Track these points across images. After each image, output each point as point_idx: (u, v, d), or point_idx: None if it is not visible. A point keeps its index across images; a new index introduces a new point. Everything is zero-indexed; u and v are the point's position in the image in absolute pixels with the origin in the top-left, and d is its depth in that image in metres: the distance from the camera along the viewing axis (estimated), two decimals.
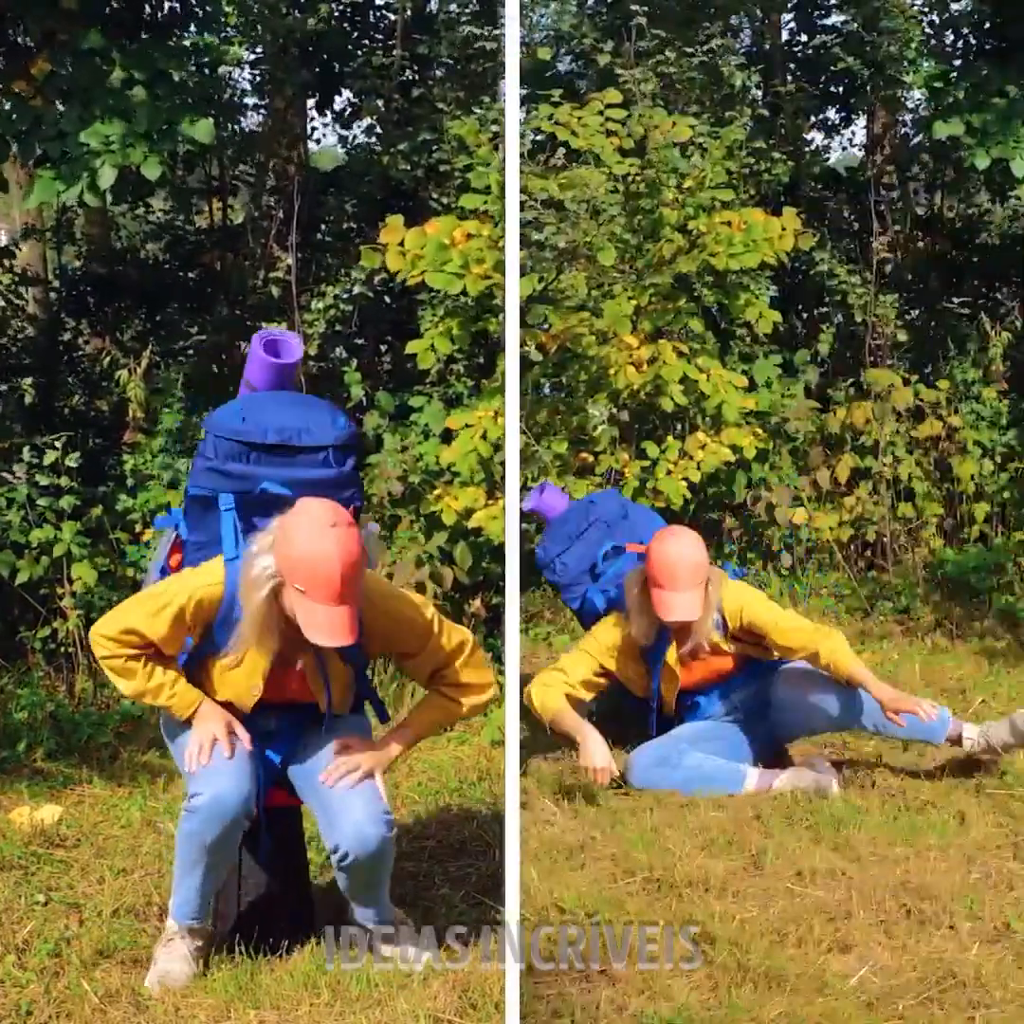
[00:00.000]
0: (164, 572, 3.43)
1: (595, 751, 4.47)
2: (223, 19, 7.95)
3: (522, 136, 6.89)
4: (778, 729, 4.78)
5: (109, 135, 5.85)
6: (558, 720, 4.63)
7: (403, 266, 6.31)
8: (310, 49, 9.10)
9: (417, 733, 3.47)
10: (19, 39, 6.63)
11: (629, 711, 4.89)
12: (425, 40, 9.02)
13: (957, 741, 4.55)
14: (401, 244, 6.31)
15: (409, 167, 8.69)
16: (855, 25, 9.11)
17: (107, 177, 5.85)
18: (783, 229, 6.86)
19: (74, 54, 6.06)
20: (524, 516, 6.47)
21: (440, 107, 8.06)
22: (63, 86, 6.04)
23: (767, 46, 10.37)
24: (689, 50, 8.01)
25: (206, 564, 3.24)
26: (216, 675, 3.28)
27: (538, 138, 7.11)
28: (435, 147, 8.31)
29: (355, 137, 10.09)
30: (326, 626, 3.02)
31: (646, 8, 7.60)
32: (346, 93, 9.94)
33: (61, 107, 6.01)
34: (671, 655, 4.62)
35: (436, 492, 6.18)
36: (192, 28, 7.07)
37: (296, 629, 3.08)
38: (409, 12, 9.21)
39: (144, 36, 6.65)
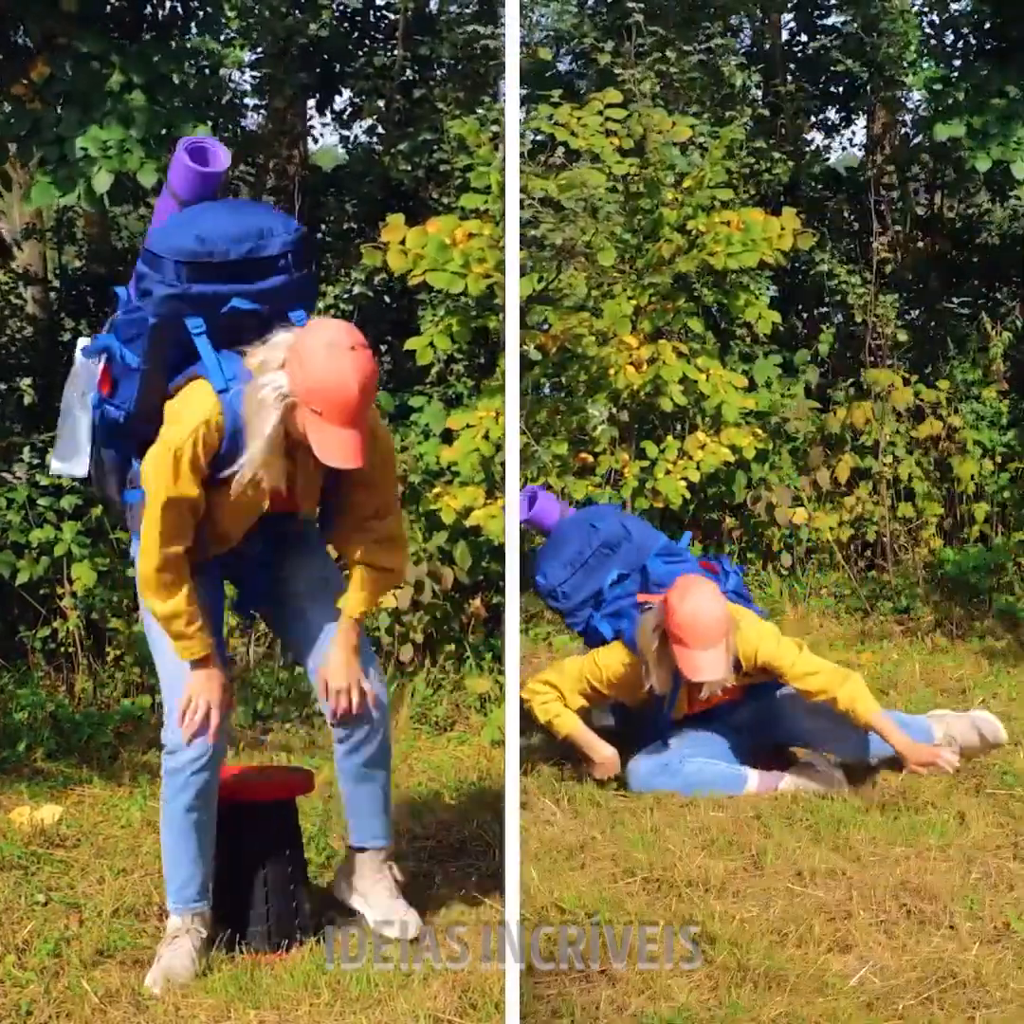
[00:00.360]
0: (98, 403, 3.29)
1: (604, 755, 4.62)
2: (224, 22, 7.95)
3: (522, 136, 6.90)
4: (782, 742, 4.78)
5: (106, 140, 5.84)
6: (571, 738, 4.68)
7: (405, 265, 6.31)
8: (310, 50, 9.11)
9: (364, 617, 3.44)
10: (18, 41, 6.63)
11: (626, 714, 4.91)
12: (426, 41, 9.02)
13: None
14: (402, 243, 6.32)
15: (410, 167, 8.70)
16: (854, 26, 9.12)
17: (103, 183, 5.85)
18: (782, 229, 6.86)
19: (73, 58, 6.05)
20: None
21: (440, 107, 8.07)
22: (62, 90, 6.03)
23: (767, 46, 10.38)
24: (688, 49, 8.02)
25: (187, 398, 3.13)
26: (219, 505, 3.20)
27: (538, 138, 7.12)
28: (435, 147, 8.32)
29: (356, 137, 10.11)
30: (339, 448, 3.02)
31: (645, 6, 7.61)
32: (346, 93, 9.95)
33: (60, 111, 6.00)
34: (681, 700, 4.61)
35: (435, 491, 6.18)
36: (193, 30, 7.07)
37: (295, 446, 3.10)
38: (410, 12, 9.21)
39: (145, 37, 6.64)
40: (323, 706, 3.38)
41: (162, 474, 3.09)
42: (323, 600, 3.40)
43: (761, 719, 4.69)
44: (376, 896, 3.45)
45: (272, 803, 3.43)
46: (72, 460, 3.35)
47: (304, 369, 2.99)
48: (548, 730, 4.75)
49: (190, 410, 3.11)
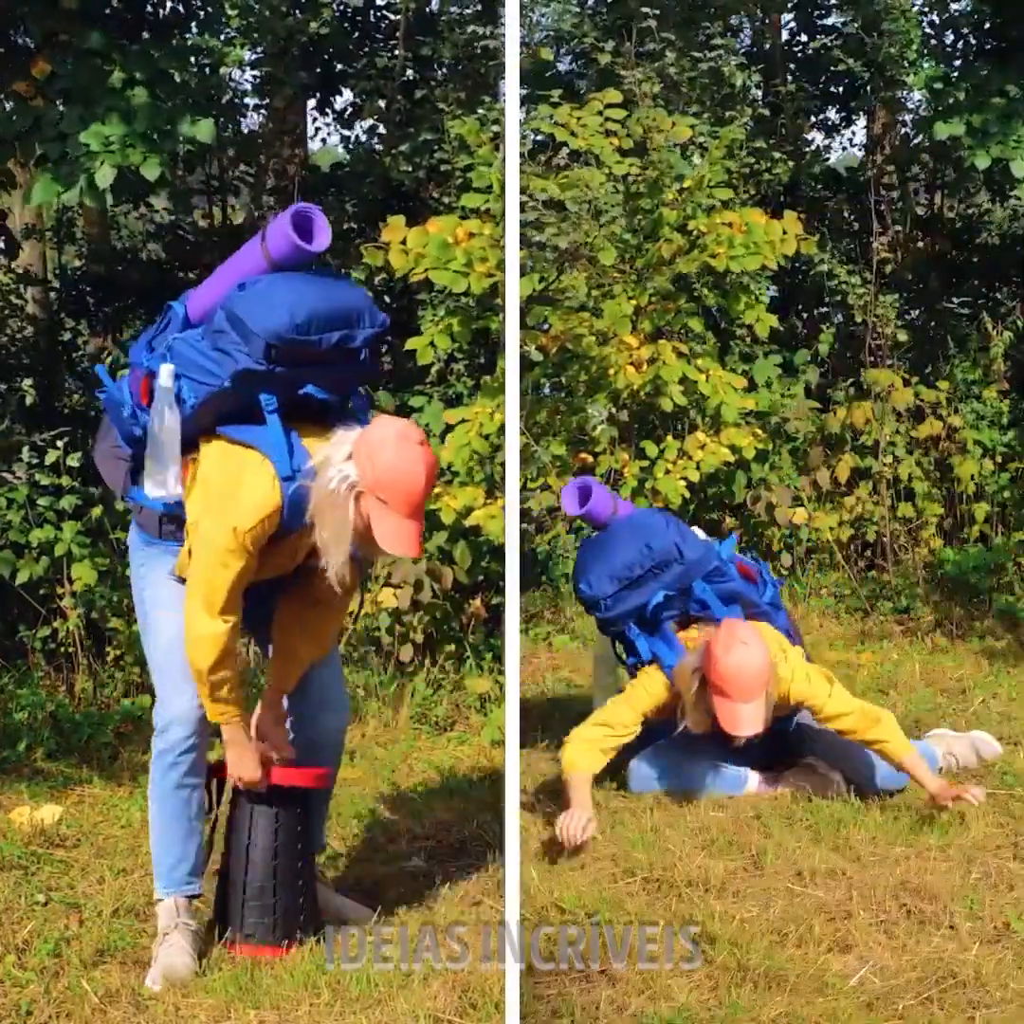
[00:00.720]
0: (133, 411, 3.30)
1: (578, 818, 4.08)
2: (224, 20, 7.95)
3: (523, 136, 6.90)
4: (791, 756, 4.75)
5: (109, 136, 5.85)
6: (572, 780, 4.29)
7: (406, 264, 6.31)
8: (310, 50, 9.11)
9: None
10: (20, 40, 6.64)
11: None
12: (428, 41, 9.02)
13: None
14: (403, 242, 6.32)
15: (411, 168, 8.69)
16: (855, 26, 9.11)
17: (106, 177, 5.85)
18: (784, 233, 6.85)
19: (75, 55, 6.06)
20: (524, 515, 6.46)
21: (442, 107, 8.06)
22: (64, 87, 6.04)
23: (767, 46, 10.38)
24: (697, 55, 8.01)
25: (247, 474, 3.16)
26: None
27: (538, 138, 7.12)
28: (436, 147, 8.32)
29: (357, 137, 10.12)
30: (400, 537, 3.12)
31: (649, 8, 7.61)
32: (347, 93, 9.95)
33: (62, 108, 6.01)
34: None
35: (435, 491, 6.17)
36: (193, 29, 7.07)
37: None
38: (411, 12, 9.21)
39: (146, 36, 6.65)
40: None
41: (231, 550, 3.14)
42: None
43: (776, 738, 4.64)
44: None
45: (286, 790, 3.42)
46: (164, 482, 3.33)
47: (373, 460, 3.09)
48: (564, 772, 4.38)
49: (252, 493, 3.14)
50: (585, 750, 4.39)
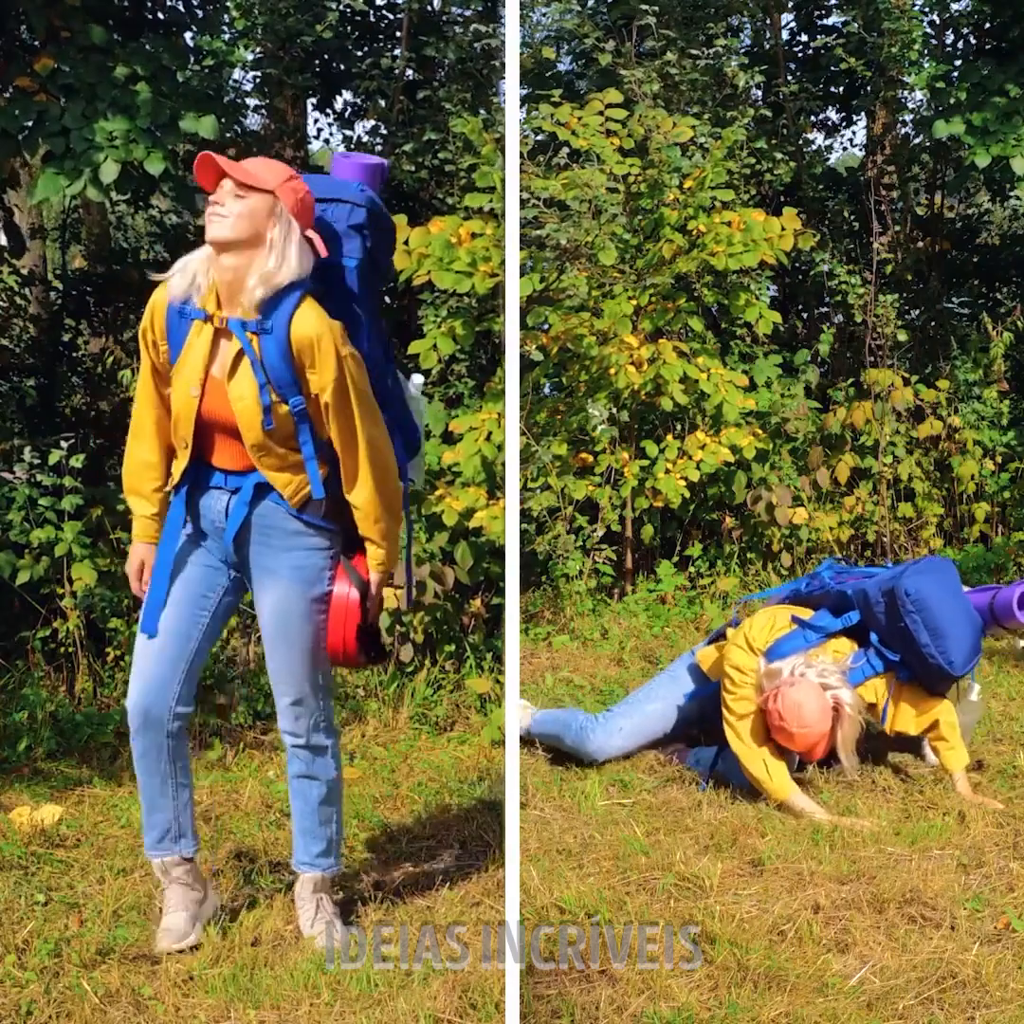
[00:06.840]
0: None
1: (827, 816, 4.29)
2: (229, 21, 7.96)
3: (523, 136, 6.90)
4: None
5: (112, 131, 5.88)
6: (795, 801, 4.35)
7: (409, 265, 6.31)
8: (311, 51, 9.11)
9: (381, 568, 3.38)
10: (23, 35, 6.65)
11: None
12: (432, 41, 9.03)
13: None
14: (405, 243, 6.32)
15: (413, 168, 8.70)
16: (856, 26, 9.12)
17: (110, 172, 5.88)
18: (783, 229, 6.87)
19: (78, 50, 6.08)
20: (524, 515, 6.45)
21: (447, 107, 8.07)
22: (67, 82, 6.07)
23: (767, 46, 10.37)
24: (694, 53, 8.02)
25: None
26: (172, 391, 3.33)
27: (539, 138, 7.13)
28: (439, 147, 8.32)
29: (359, 137, 10.12)
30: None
31: (651, 7, 7.61)
32: (346, 94, 9.95)
33: (65, 103, 6.03)
34: None
35: (438, 492, 6.18)
36: (194, 30, 7.08)
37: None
38: (413, 13, 9.21)
39: (148, 33, 6.66)
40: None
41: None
42: (282, 630, 3.37)
43: None
44: (305, 919, 3.50)
45: None
46: None
47: (298, 194, 3.29)
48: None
49: None
50: (783, 772, 4.39)
